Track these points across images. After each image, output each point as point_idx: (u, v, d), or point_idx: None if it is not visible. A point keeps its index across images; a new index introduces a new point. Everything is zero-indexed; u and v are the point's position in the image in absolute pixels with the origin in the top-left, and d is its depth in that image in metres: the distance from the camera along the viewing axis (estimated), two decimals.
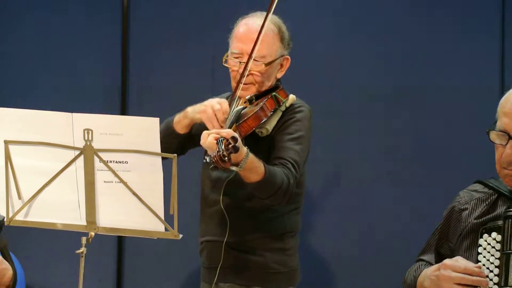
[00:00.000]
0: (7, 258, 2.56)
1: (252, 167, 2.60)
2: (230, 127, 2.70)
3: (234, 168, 2.57)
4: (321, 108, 3.65)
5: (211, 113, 2.69)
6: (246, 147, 2.59)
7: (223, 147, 2.45)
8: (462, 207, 2.44)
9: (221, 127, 2.67)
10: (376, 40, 3.73)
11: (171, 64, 3.82)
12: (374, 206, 3.68)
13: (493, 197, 2.37)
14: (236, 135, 2.52)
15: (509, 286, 2.13)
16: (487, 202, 2.36)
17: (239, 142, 2.50)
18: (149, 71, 3.85)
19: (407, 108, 3.69)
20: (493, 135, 2.31)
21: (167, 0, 3.86)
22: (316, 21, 3.77)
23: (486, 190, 2.41)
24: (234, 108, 2.82)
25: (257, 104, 2.80)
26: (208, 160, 2.55)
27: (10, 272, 2.54)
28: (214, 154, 2.45)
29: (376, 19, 3.74)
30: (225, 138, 2.48)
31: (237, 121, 2.75)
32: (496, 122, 2.32)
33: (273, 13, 2.88)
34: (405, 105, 3.69)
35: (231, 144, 2.45)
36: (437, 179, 3.56)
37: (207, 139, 2.54)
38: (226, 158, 2.44)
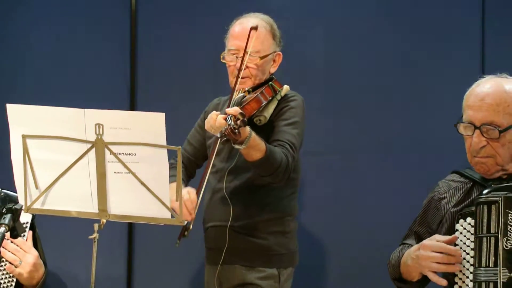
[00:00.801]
0: (40, 254, 2.59)
1: (255, 144, 2.63)
2: None
3: (238, 146, 2.61)
4: (318, 103, 3.69)
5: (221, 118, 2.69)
6: (249, 127, 2.61)
7: (232, 122, 2.49)
8: (441, 196, 2.46)
9: (190, 214, 2.73)
10: (369, 42, 3.72)
11: (176, 64, 3.81)
12: (368, 192, 3.68)
13: (468, 185, 2.39)
14: (242, 111, 2.57)
15: (482, 267, 2.14)
16: (463, 190, 2.39)
17: (246, 117, 2.54)
18: (156, 71, 3.85)
19: (398, 104, 3.69)
20: (461, 128, 2.34)
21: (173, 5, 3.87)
22: (312, 23, 3.79)
23: (462, 179, 2.43)
24: (234, 98, 2.86)
25: (255, 92, 2.84)
26: (219, 135, 2.59)
27: (43, 268, 2.57)
28: (226, 127, 2.49)
29: (368, 22, 3.74)
30: (233, 115, 2.52)
31: (240, 105, 2.77)
32: (462, 116, 2.35)
33: (266, 13, 2.98)
34: (396, 102, 3.69)
35: (239, 119, 2.49)
36: (424, 168, 3.57)
37: (216, 119, 2.57)
38: (237, 130, 2.49)
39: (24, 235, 2.55)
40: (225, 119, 2.54)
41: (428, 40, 3.67)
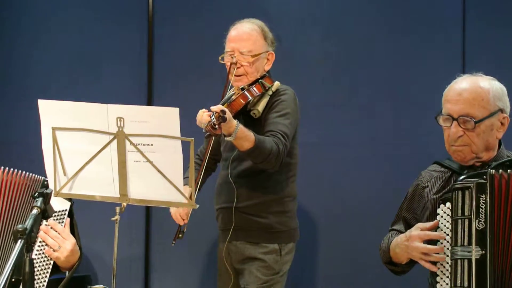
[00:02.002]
0: (77, 239, 2.61)
1: (243, 135, 2.63)
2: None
3: (228, 138, 2.62)
4: (316, 99, 3.70)
5: (178, 216, 2.99)
6: (237, 120, 2.63)
7: (213, 118, 2.51)
8: (424, 185, 2.45)
9: (183, 220, 2.99)
10: (361, 44, 3.73)
11: (189, 63, 3.82)
12: (359, 178, 3.70)
13: (447, 174, 2.39)
14: (225, 109, 2.58)
15: (458, 245, 2.15)
16: (443, 179, 2.39)
17: (228, 114, 2.55)
18: (171, 70, 3.86)
19: (388, 100, 3.71)
20: (440, 120, 2.34)
21: (187, 10, 3.87)
22: (308, 25, 3.79)
23: (442, 169, 2.43)
24: (227, 95, 2.88)
25: (245, 89, 2.86)
26: (204, 131, 2.60)
27: (78, 253, 2.58)
28: (207, 124, 2.52)
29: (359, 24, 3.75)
30: (216, 112, 2.54)
31: (227, 101, 2.80)
32: (441, 110, 2.35)
33: (258, 18, 3.01)
34: (386, 98, 3.71)
35: (220, 115, 2.51)
36: (409, 157, 3.59)
37: (202, 116, 2.61)
38: (216, 126, 2.50)
39: (62, 222, 2.57)
40: (210, 116, 2.55)
41: (415, 42, 3.68)
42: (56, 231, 2.50)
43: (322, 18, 3.73)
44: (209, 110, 2.59)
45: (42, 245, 2.51)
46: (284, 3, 3.80)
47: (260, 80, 2.89)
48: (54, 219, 2.52)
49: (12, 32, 3.93)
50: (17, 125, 3.84)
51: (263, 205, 2.92)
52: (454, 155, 2.34)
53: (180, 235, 2.99)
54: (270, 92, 2.90)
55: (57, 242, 2.49)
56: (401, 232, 2.40)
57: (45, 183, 2.48)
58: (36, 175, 2.62)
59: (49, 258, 2.51)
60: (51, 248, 2.49)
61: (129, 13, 3.89)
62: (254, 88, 2.85)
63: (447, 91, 2.35)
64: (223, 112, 2.54)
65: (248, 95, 2.82)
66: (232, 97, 2.82)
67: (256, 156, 2.72)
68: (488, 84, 2.31)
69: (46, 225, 2.50)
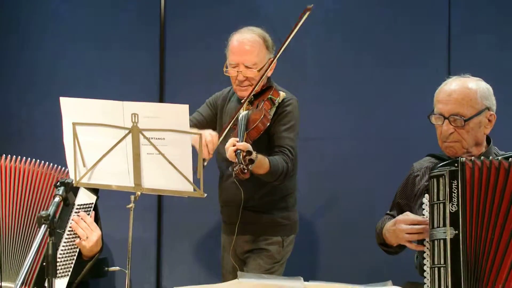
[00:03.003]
0: (99, 227, 2.63)
1: (260, 165, 2.61)
2: (241, 134, 2.67)
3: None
4: (314, 98, 3.70)
5: (204, 143, 2.63)
6: (255, 151, 2.57)
7: (241, 160, 2.45)
8: (415, 174, 2.48)
9: (209, 154, 2.66)
10: (353, 46, 3.71)
11: (198, 63, 3.80)
12: (354, 170, 3.68)
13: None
14: (250, 148, 2.52)
15: (435, 227, 2.17)
16: None
17: (253, 154, 2.50)
18: (181, 70, 3.84)
19: (380, 98, 3.69)
20: (433, 119, 2.36)
21: (198, 10, 3.84)
22: (307, 27, 3.78)
23: (433, 160, 2.45)
24: (241, 114, 2.77)
25: (257, 106, 2.76)
26: (230, 170, 2.56)
27: (101, 245, 2.61)
28: (236, 168, 2.46)
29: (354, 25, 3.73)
30: (241, 150, 2.49)
31: (246, 128, 2.70)
32: (433, 109, 2.38)
33: (258, 26, 2.89)
34: (378, 97, 3.69)
35: (247, 157, 2.46)
36: (401, 151, 3.58)
37: (228, 150, 2.54)
38: (246, 170, 2.47)
39: (88, 214, 2.59)
40: (235, 152, 2.50)
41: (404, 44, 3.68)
42: (85, 223, 2.53)
43: (320, 20, 3.72)
44: (234, 148, 2.51)
45: (71, 234, 2.54)
46: (287, 5, 3.79)
47: (269, 96, 2.80)
48: (83, 212, 2.54)
49: (36, 36, 3.94)
50: (41, 120, 3.86)
51: (268, 203, 2.91)
52: (447, 151, 2.36)
53: (204, 165, 2.58)
54: (276, 103, 2.82)
55: (85, 232, 2.52)
56: (394, 217, 2.42)
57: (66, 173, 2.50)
58: (58, 166, 2.65)
59: (76, 246, 2.54)
60: (79, 237, 2.52)
61: (141, 16, 3.88)
62: (267, 113, 2.74)
63: (438, 92, 2.37)
64: (249, 153, 2.49)
65: (266, 121, 2.72)
66: (250, 122, 2.71)
67: (269, 178, 2.73)
68: (475, 85, 2.33)
69: (78, 215, 2.53)
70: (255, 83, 2.79)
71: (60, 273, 2.47)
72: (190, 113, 2.20)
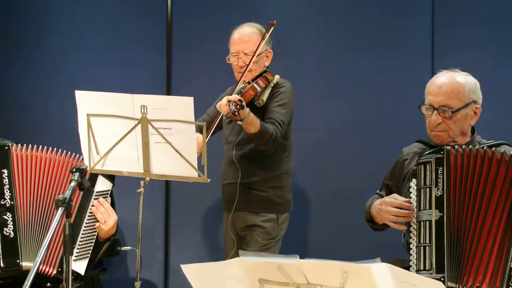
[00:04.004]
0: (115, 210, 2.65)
1: (252, 122, 2.69)
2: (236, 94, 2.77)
3: (240, 122, 2.67)
4: (310, 91, 3.71)
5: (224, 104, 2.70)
6: (248, 109, 2.68)
7: (233, 106, 2.58)
8: (404, 158, 2.48)
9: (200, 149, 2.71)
10: (347, 47, 3.70)
11: (202, 59, 3.78)
12: (345, 158, 3.69)
13: (426, 151, 2.42)
14: (241, 98, 2.64)
15: (421, 210, 2.19)
16: (421, 155, 2.42)
17: (243, 103, 2.62)
18: (187, 65, 3.82)
19: (371, 92, 3.69)
20: (423, 109, 2.37)
21: (203, 9, 3.85)
22: (302, 27, 3.79)
23: (421, 146, 2.46)
24: (238, 87, 2.89)
25: (252, 82, 2.88)
26: (224, 117, 2.68)
27: (116, 228, 2.64)
28: (228, 111, 2.59)
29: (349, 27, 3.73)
30: (234, 101, 2.60)
31: (239, 93, 2.83)
32: (424, 100, 2.38)
33: (258, 22, 3.00)
34: (369, 90, 3.69)
35: (238, 104, 2.57)
36: (391, 140, 3.57)
37: (222, 103, 2.67)
38: (236, 112, 2.57)
39: (106, 198, 2.61)
40: (228, 105, 2.61)
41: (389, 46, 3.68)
42: (104, 208, 2.55)
43: (314, 20, 3.72)
44: (228, 101, 2.63)
45: (91, 218, 2.56)
46: (285, 7, 3.80)
47: (264, 74, 2.93)
48: (102, 198, 2.56)
49: (50, 34, 3.93)
50: (58, 111, 3.87)
51: (263, 181, 2.95)
52: (434, 139, 2.37)
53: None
54: (272, 84, 2.93)
55: (104, 217, 2.54)
56: (382, 197, 2.44)
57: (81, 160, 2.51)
58: (73, 154, 2.66)
59: (95, 229, 2.56)
60: (98, 221, 2.54)
61: (149, 15, 3.87)
62: (260, 81, 2.89)
63: (429, 84, 2.38)
64: (240, 101, 2.61)
65: (257, 87, 2.87)
66: (243, 89, 2.86)
67: (259, 140, 2.79)
68: (464, 79, 2.34)
69: (98, 201, 2.55)
70: (254, 69, 2.92)
71: (80, 255, 2.49)
72: (195, 105, 2.20)
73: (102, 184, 2.58)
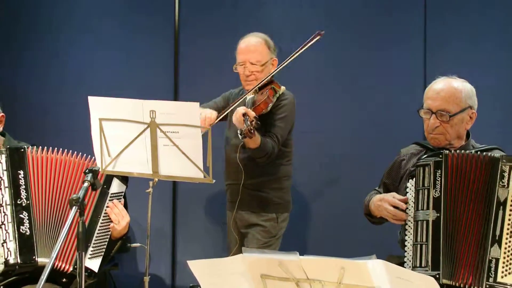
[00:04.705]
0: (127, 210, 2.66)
1: (254, 139, 2.68)
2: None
3: (243, 138, 2.65)
4: (309, 97, 3.71)
5: (203, 118, 2.83)
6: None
7: (249, 123, 2.54)
8: (401, 158, 2.48)
9: (210, 124, 2.77)
10: (342, 50, 3.70)
11: (209, 65, 3.79)
12: (343, 158, 3.69)
13: (422, 152, 2.41)
14: (257, 115, 2.62)
15: (419, 210, 2.20)
16: (418, 156, 2.41)
17: (258, 120, 2.59)
18: (193, 71, 3.83)
19: (365, 97, 3.69)
20: (421, 113, 2.38)
21: (210, 18, 3.83)
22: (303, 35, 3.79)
23: (418, 147, 2.46)
24: (248, 97, 2.87)
25: (262, 93, 2.84)
26: (239, 132, 2.63)
27: (128, 229, 2.64)
28: (245, 128, 2.54)
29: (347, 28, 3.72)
30: (249, 117, 2.58)
31: (252, 105, 2.79)
32: (423, 104, 2.39)
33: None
34: (363, 95, 3.69)
35: (254, 121, 2.55)
36: (387, 142, 3.57)
37: (238, 116, 2.63)
38: (253, 131, 2.55)
39: (120, 200, 2.61)
40: (243, 119, 2.59)
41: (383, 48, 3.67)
42: (118, 209, 2.55)
43: (313, 23, 3.71)
44: (243, 115, 2.60)
45: (106, 219, 2.56)
46: (286, 15, 3.80)
47: (272, 86, 2.89)
48: (116, 199, 2.56)
49: (66, 44, 3.95)
50: (70, 116, 3.88)
51: (265, 183, 2.95)
52: (432, 141, 2.38)
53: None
54: (277, 95, 2.91)
55: (117, 217, 2.54)
56: (380, 194, 2.45)
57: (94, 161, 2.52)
58: (88, 155, 2.66)
59: (109, 229, 2.56)
60: (112, 221, 2.54)
61: (157, 25, 3.88)
62: (270, 96, 2.84)
63: (428, 90, 2.39)
64: (257, 118, 2.59)
65: (268, 101, 2.82)
66: (255, 102, 2.82)
67: (256, 154, 2.81)
68: (461, 85, 2.35)
69: (112, 203, 2.55)
70: (260, 77, 2.90)
71: (95, 253, 2.49)
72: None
73: (117, 186, 2.58)
